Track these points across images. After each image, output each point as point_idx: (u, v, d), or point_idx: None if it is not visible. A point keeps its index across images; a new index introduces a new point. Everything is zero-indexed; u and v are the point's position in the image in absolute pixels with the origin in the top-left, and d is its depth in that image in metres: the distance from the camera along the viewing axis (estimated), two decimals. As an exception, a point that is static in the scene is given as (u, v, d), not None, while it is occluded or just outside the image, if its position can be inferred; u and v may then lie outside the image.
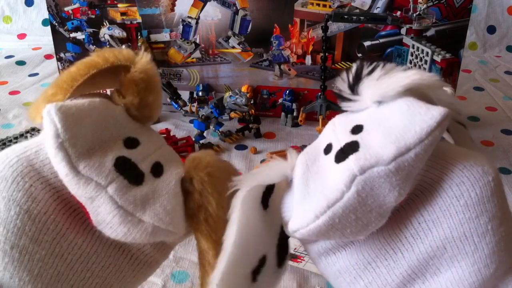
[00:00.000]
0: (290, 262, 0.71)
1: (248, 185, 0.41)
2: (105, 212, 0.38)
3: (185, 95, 1.10)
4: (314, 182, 0.40)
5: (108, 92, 0.45)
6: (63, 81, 0.41)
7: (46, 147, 0.38)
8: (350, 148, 0.39)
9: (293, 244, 0.74)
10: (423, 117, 0.37)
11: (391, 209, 0.39)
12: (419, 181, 0.40)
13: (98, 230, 0.41)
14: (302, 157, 0.43)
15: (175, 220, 0.40)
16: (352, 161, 0.38)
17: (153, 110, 0.44)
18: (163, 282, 0.69)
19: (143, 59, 0.43)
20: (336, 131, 0.42)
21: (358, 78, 0.42)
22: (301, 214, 0.40)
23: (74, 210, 0.40)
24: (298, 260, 0.72)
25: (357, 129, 0.40)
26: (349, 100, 0.43)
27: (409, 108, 0.38)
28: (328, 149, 0.41)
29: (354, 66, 0.43)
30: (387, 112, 0.40)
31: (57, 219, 0.39)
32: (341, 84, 0.44)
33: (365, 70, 0.42)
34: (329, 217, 0.38)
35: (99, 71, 0.41)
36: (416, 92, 0.40)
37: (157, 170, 0.41)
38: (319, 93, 0.99)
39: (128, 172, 0.39)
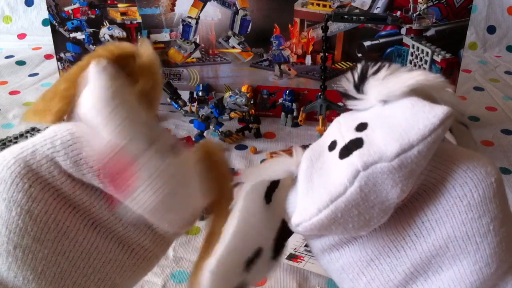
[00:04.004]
0: (290, 262, 0.71)
1: (253, 180, 0.42)
2: (142, 178, 0.39)
3: (185, 95, 1.10)
4: (317, 177, 0.41)
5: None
6: (74, 74, 0.42)
7: (86, 110, 0.39)
8: (354, 145, 0.39)
9: (293, 244, 0.74)
10: (427, 115, 0.38)
11: (394, 206, 0.39)
12: (423, 181, 0.40)
13: (98, 226, 0.42)
14: (307, 153, 0.44)
15: (195, 198, 0.43)
16: (356, 157, 0.38)
17: (161, 90, 0.47)
18: (163, 282, 0.69)
19: (144, 45, 0.45)
20: (341, 129, 0.43)
21: (363, 77, 0.43)
22: (304, 208, 0.40)
23: (74, 208, 0.41)
24: (298, 260, 0.72)
25: (361, 127, 0.41)
26: (355, 98, 0.43)
27: (413, 106, 0.39)
28: (332, 145, 0.42)
29: (360, 66, 0.43)
30: (392, 111, 0.40)
31: (58, 218, 0.40)
32: (346, 83, 0.44)
33: (371, 70, 0.42)
34: (332, 211, 0.39)
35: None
36: (421, 92, 0.41)
37: (175, 150, 0.43)
38: (319, 93, 0.99)
39: (159, 143, 0.40)
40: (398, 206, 0.41)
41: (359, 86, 0.43)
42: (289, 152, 0.45)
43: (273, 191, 0.44)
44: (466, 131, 0.48)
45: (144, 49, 0.44)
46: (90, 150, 0.39)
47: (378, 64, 0.43)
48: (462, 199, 0.39)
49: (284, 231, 0.46)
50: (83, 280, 0.41)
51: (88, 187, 0.41)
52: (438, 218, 0.40)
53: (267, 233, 0.46)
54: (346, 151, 0.40)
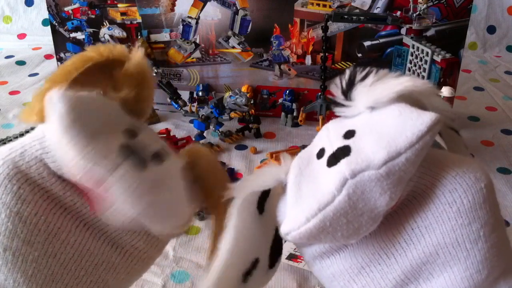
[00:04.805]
0: (290, 262, 0.71)
1: (244, 193, 0.42)
2: (115, 194, 0.38)
3: (185, 95, 1.10)
4: (306, 186, 0.41)
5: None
6: (58, 75, 0.41)
7: (50, 133, 0.38)
8: (342, 153, 0.39)
9: (293, 244, 0.74)
10: (414, 122, 0.38)
11: (383, 214, 0.39)
12: (412, 187, 0.40)
13: (90, 228, 0.41)
14: (295, 161, 0.43)
15: (181, 205, 0.42)
16: (344, 165, 0.38)
17: (148, 103, 0.45)
18: (163, 282, 0.69)
19: (137, 54, 0.43)
20: (329, 136, 0.42)
21: (351, 84, 0.42)
22: (293, 217, 0.40)
23: (65, 209, 0.40)
24: (298, 260, 0.72)
25: (349, 134, 0.41)
26: (343, 105, 0.43)
27: (400, 113, 0.39)
28: (320, 153, 0.42)
29: (347, 72, 0.43)
30: (379, 118, 0.40)
31: (48, 219, 0.39)
32: (335, 90, 0.44)
33: (358, 76, 0.42)
34: (320, 220, 0.38)
35: (93, 65, 0.41)
36: (409, 99, 0.40)
37: (158, 158, 0.42)
38: (319, 93, 0.99)
39: (134, 157, 0.39)
40: (387, 213, 0.40)
41: (347, 92, 0.43)
42: (289, 152, 0.45)
43: (265, 201, 0.44)
44: (456, 136, 0.48)
45: (135, 57, 0.43)
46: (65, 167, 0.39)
47: (366, 70, 0.42)
48: (451, 205, 0.39)
49: (280, 239, 0.46)
50: (74, 282, 0.41)
51: (79, 188, 0.40)
52: (427, 224, 0.40)
53: (263, 243, 0.45)
54: (334, 159, 0.39)
